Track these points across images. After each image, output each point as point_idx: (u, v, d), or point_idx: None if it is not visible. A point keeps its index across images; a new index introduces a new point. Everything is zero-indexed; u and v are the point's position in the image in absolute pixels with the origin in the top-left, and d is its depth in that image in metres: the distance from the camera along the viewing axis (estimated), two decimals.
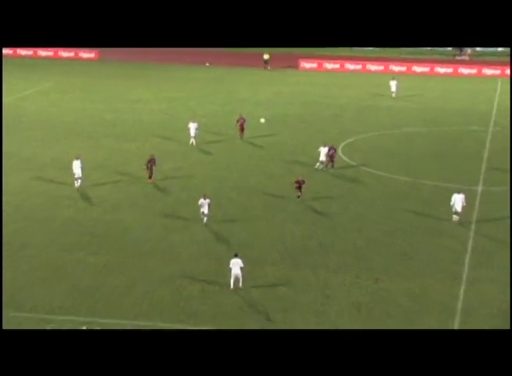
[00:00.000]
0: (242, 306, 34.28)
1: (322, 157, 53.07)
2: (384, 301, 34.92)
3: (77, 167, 48.82)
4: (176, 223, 43.72)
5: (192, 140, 58.58)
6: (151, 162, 49.91)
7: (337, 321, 33.04)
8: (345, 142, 60.32)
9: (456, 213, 43.26)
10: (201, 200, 42.76)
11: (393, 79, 76.66)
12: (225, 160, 55.74)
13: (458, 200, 43.13)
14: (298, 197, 46.64)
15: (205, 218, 42.73)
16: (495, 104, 74.65)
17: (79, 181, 48.77)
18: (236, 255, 36.00)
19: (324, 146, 53.32)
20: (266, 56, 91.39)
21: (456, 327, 32.75)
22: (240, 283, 35.62)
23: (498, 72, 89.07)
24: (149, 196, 48.12)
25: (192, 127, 58.61)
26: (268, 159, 56.10)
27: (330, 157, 53.41)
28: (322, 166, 53.32)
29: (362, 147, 59.18)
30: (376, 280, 36.54)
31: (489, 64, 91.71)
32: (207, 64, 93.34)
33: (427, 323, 32.98)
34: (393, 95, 75.77)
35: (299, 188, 46.60)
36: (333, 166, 53.46)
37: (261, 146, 58.87)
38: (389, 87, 76.21)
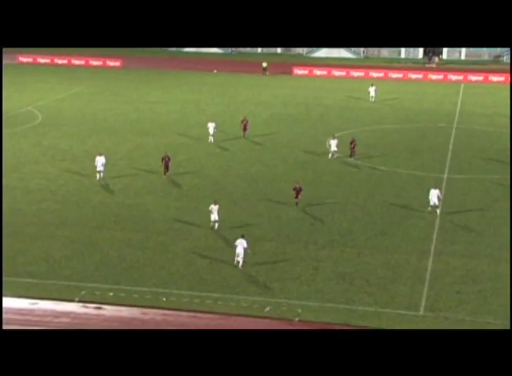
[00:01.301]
0: (244, 276, 34.16)
1: (334, 148, 52.88)
2: (365, 271, 34.80)
3: (99, 162, 47.13)
4: (189, 206, 43.54)
5: (211, 138, 57.27)
6: (165, 159, 48.57)
7: (324, 289, 32.93)
8: None
9: (434, 206, 41.52)
10: (211, 206, 39.27)
11: (372, 85, 75.99)
12: (229, 153, 55.48)
13: (434, 195, 41.59)
14: (296, 203, 42.78)
15: (216, 224, 39.24)
16: (459, 105, 74.29)
17: (101, 174, 47.16)
18: (242, 236, 35.33)
19: (333, 138, 53.23)
20: (265, 64, 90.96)
21: (424, 292, 32.66)
22: (240, 264, 34.77)
23: (461, 77, 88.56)
24: (166, 183, 47.90)
25: (211, 126, 57.26)
26: (266, 151, 55.88)
27: (352, 148, 52.97)
28: (336, 155, 52.94)
29: (345, 141, 58.80)
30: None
31: (454, 71, 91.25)
32: (215, 71, 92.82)
33: (401, 289, 32.90)
34: (372, 99, 74.80)
35: (297, 195, 42.73)
36: (353, 155, 52.86)
37: (260, 141, 58.46)
38: (368, 92, 75.54)
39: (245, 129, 59.42)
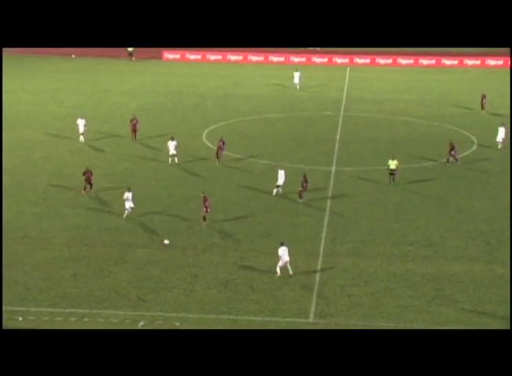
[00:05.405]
0: (114, 288, 33.83)
1: (172, 151, 50.88)
2: (249, 277, 35.23)
3: None
4: (47, 210, 42.65)
5: (81, 137, 55.53)
6: (87, 174, 45.24)
7: (205, 298, 33.13)
8: (208, 130, 60.43)
9: (278, 186, 45.49)
10: (126, 194, 40.69)
11: (296, 71, 76.60)
12: (94, 149, 54.76)
13: (280, 176, 45.36)
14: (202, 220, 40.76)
15: (128, 211, 41.20)
16: (345, 91, 76.42)
17: None
18: (282, 244, 35.33)
19: (172, 140, 51.13)
20: (130, 48, 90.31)
21: (314, 297, 33.44)
22: (290, 271, 35.18)
23: (347, 60, 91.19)
24: (20, 184, 46.71)
25: (81, 123, 55.45)
26: (135, 146, 55.52)
27: (220, 147, 52.08)
28: (173, 162, 51.07)
29: (224, 133, 59.33)
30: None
31: (339, 53, 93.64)
32: (73, 56, 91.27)
33: (289, 295, 33.53)
34: (297, 86, 75.77)
35: (204, 217, 40.64)
36: (219, 158, 52.22)
37: (129, 134, 57.92)
38: (293, 78, 76.28)
39: (135, 130, 56.72)
